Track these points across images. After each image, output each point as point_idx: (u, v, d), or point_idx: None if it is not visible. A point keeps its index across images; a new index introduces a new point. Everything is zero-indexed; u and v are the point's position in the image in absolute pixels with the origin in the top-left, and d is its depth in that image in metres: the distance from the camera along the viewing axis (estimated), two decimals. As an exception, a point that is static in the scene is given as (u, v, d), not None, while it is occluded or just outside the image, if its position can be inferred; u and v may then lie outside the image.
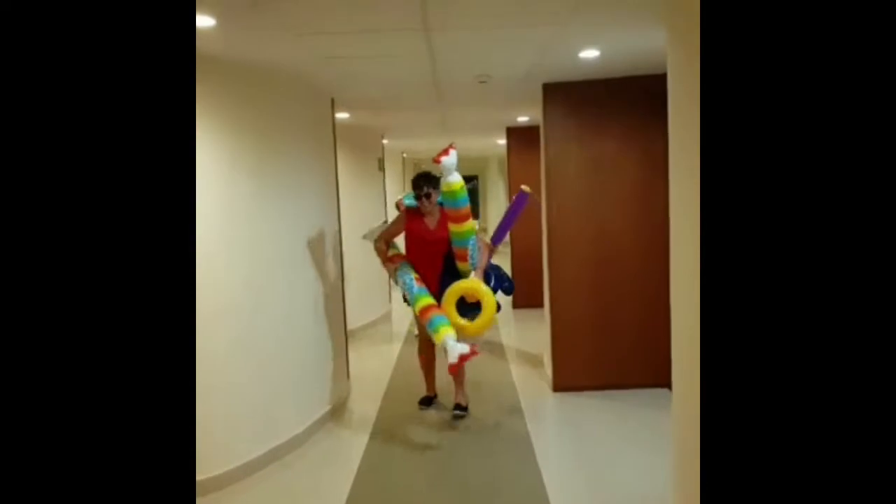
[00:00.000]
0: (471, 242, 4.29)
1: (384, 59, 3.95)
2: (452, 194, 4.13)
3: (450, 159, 4.06)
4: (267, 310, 4.00)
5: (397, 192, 10.97)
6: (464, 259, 4.34)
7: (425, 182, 4.37)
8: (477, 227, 4.42)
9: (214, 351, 3.57)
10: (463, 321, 4.19)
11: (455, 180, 4.12)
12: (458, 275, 4.38)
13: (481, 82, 4.72)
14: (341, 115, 6.35)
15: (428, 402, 4.96)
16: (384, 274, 8.75)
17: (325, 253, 4.85)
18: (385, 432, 4.45)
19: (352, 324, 7.01)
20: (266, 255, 4.00)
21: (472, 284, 4.25)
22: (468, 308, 4.26)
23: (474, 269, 4.33)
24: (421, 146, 11.33)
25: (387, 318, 8.58)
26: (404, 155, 12.74)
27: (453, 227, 4.28)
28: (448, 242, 4.38)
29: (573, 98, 4.96)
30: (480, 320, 4.20)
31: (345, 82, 4.64)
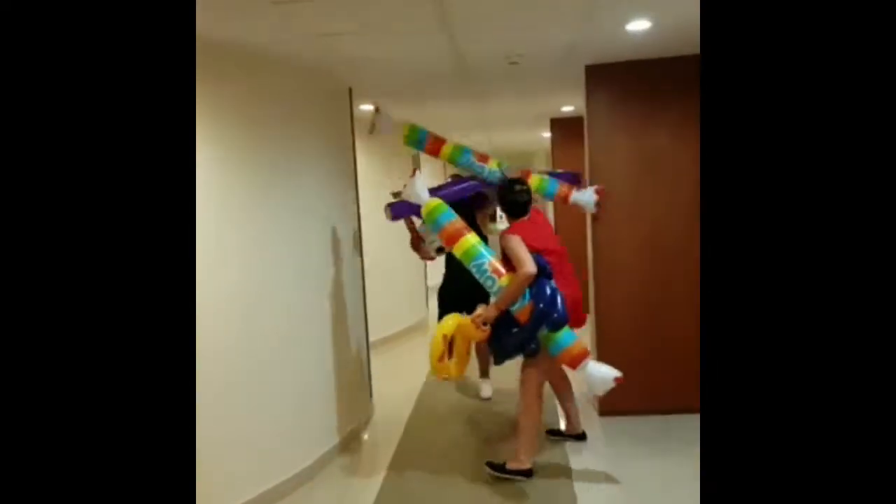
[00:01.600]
0: (476, 264, 3.46)
1: (391, 36, 3.42)
2: (429, 216, 3.61)
3: (410, 188, 3.68)
4: (264, 321, 3.50)
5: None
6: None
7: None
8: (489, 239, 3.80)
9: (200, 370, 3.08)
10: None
11: (429, 201, 3.64)
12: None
13: (512, 63, 4.12)
14: (365, 107, 5.86)
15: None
16: (420, 277, 8.34)
17: (340, 255, 4.34)
18: (404, 468, 3.91)
19: (379, 333, 6.53)
20: (264, 261, 3.51)
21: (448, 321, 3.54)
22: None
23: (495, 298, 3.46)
24: (463, 141, 10.79)
25: (422, 325, 8.06)
26: (445, 151, 12.22)
27: (455, 251, 3.55)
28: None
29: (620, 81, 4.35)
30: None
31: (356, 67, 4.11)
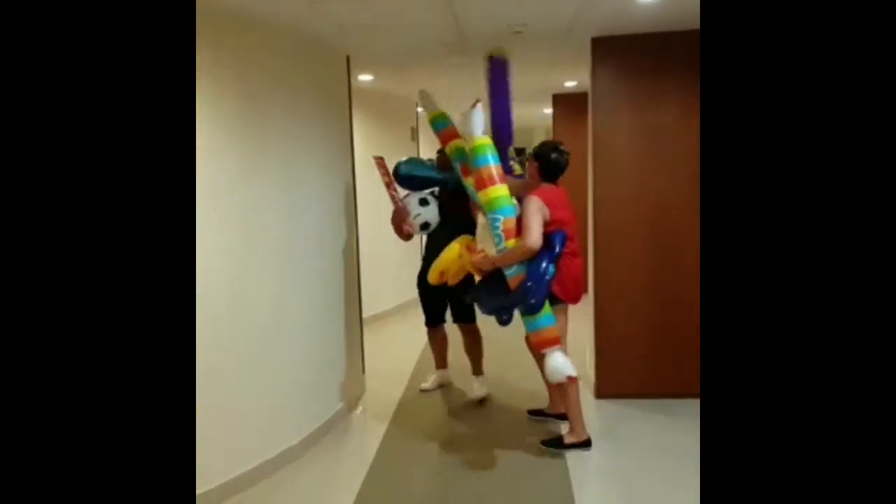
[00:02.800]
0: (493, 217, 3.45)
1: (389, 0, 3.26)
2: (475, 150, 3.52)
3: (469, 119, 3.53)
4: (254, 298, 3.39)
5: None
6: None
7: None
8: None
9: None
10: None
11: (481, 137, 3.54)
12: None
13: (516, 33, 3.96)
14: (364, 78, 5.71)
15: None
16: (415, 253, 8.21)
17: (334, 229, 4.22)
18: (395, 445, 3.83)
19: (374, 309, 6.44)
20: (255, 234, 3.38)
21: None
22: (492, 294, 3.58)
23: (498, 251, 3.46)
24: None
25: (416, 301, 7.94)
26: (445, 125, 12.04)
27: (480, 196, 3.55)
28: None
29: (627, 55, 4.20)
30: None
31: (352, 34, 3.95)
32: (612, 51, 4.20)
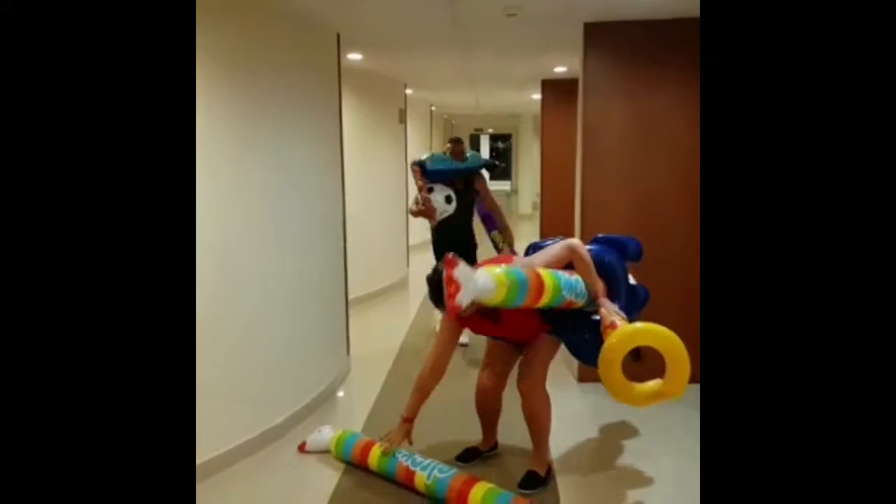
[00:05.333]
0: (565, 291, 2.81)
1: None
2: (509, 294, 2.62)
3: (464, 291, 2.60)
4: (239, 277, 3.36)
5: (421, 146, 10.27)
6: (571, 304, 2.88)
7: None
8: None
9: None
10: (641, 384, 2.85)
11: (494, 285, 2.59)
12: None
13: (510, 15, 3.94)
14: (354, 57, 5.66)
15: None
16: (402, 235, 8.22)
17: (321, 209, 4.19)
18: (379, 426, 3.82)
19: (360, 291, 6.43)
20: (242, 213, 3.35)
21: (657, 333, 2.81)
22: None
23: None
24: (451, 99, 10.57)
25: (403, 283, 7.96)
26: (433, 108, 11.99)
27: (544, 303, 2.77)
28: None
29: (620, 41, 4.19)
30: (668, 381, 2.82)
31: (343, 10, 3.90)
32: (604, 36, 4.19)
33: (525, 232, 11.54)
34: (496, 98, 10.33)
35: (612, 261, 3.15)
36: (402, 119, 7.82)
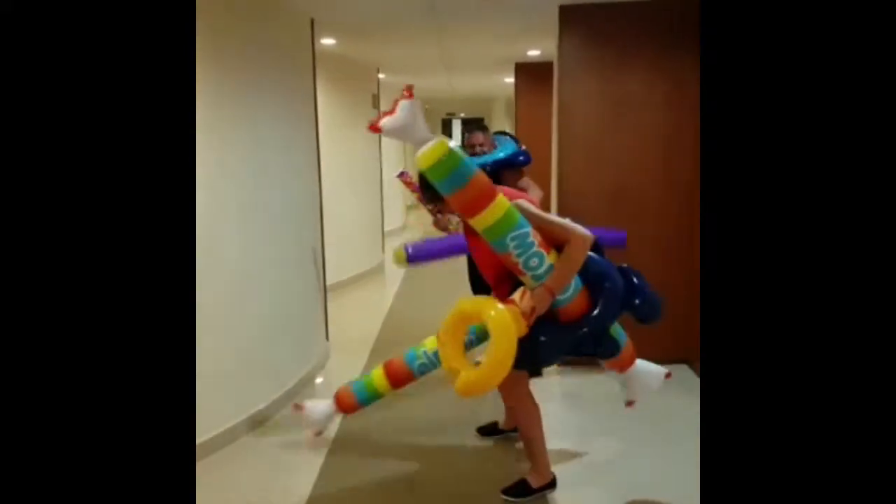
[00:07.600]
0: (512, 237, 2.34)
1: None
2: (434, 170, 2.28)
3: (396, 119, 2.41)
4: (215, 264, 3.33)
5: (395, 133, 10.20)
6: (518, 271, 2.43)
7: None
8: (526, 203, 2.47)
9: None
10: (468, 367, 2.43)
11: (429, 146, 2.25)
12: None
13: (486, -1, 3.95)
14: (327, 42, 5.62)
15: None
16: (377, 221, 8.19)
17: (297, 194, 4.17)
18: (359, 416, 3.83)
19: (337, 276, 6.42)
20: (217, 199, 3.32)
21: (478, 306, 2.44)
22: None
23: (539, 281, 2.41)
24: (424, 83, 10.53)
25: (379, 269, 7.96)
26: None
27: (473, 223, 2.38)
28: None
29: (594, 24, 4.20)
30: (483, 367, 2.34)
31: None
32: (579, 19, 4.20)
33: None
34: (469, 82, 10.30)
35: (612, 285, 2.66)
36: (376, 104, 7.78)
